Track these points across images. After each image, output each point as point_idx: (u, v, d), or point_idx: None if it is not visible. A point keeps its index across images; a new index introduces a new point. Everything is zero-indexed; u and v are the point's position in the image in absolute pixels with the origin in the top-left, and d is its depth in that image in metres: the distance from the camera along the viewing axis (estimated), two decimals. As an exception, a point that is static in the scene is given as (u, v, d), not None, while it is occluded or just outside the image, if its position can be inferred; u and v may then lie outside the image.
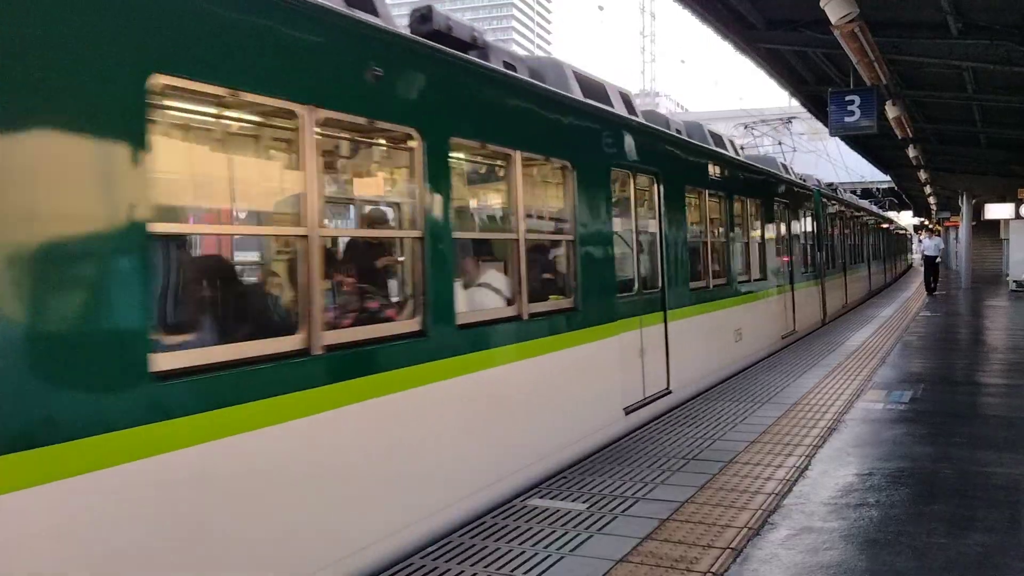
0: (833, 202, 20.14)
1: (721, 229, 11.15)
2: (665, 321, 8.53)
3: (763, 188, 13.20)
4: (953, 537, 4.70)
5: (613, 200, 7.50)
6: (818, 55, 13.68)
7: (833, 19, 9.15)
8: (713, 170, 10.68)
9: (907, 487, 5.66)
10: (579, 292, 6.75)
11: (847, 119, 12.31)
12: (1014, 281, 26.33)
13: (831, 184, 25.08)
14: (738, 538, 4.68)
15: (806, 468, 6.12)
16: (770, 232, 13.24)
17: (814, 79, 15.67)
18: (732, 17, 11.98)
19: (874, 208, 36.60)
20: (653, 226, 8.61)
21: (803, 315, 15.09)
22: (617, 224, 7.62)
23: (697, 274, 9.85)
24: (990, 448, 6.65)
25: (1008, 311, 19.99)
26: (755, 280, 12.31)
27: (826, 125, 14.35)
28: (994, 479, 5.80)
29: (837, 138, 20.89)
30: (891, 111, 14.20)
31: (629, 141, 8.01)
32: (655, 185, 8.58)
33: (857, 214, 25.08)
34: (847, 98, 12.34)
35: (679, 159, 9.63)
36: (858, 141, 23.48)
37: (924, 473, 6.00)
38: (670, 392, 8.55)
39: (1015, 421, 7.66)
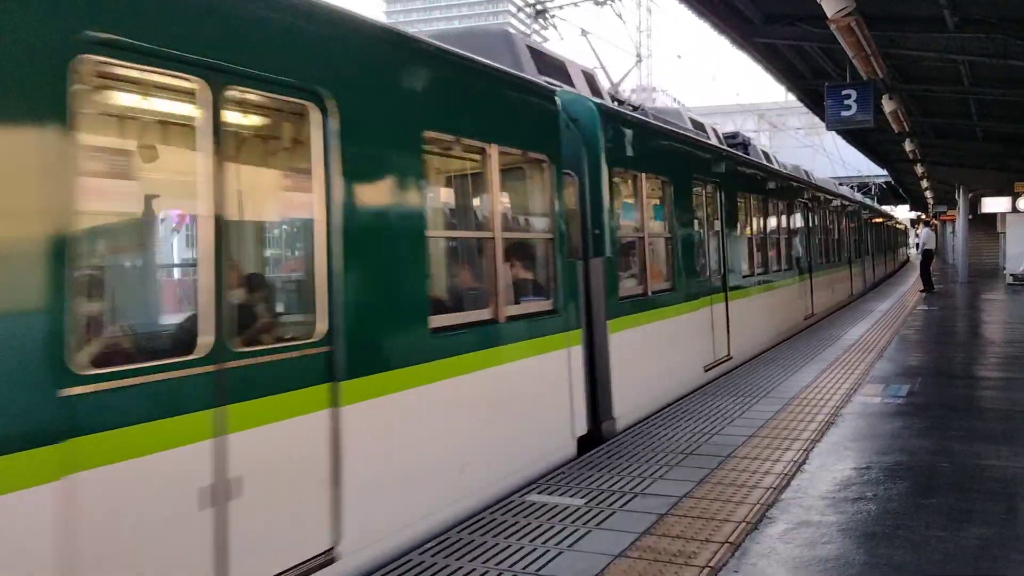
0: (671, 141, 9.48)
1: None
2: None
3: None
4: (951, 530, 4.71)
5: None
6: (815, 49, 13.70)
7: (830, 13, 9.15)
8: None
9: (905, 480, 5.67)
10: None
11: (844, 113, 12.32)
12: (1011, 275, 26.37)
13: (718, 137, 13.49)
14: (736, 532, 4.69)
15: (804, 462, 6.13)
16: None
17: (811, 74, 15.68)
18: (729, 12, 11.99)
19: (836, 188, 25.85)
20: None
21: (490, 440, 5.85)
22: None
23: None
24: (988, 441, 6.67)
25: (1005, 305, 20.02)
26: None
27: (823, 120, 14.35)
28: (991, 472, 5.82)
29: (834, 133, 20.96)
30: (888, 105, 14.22)
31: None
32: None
33: (785, 185, 15.16)
34: (844, 92, 12.35)
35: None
36: (855, 136, 23.49)
37: (922, 466, 6.01)
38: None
39: (1012, 414, 7.68)
